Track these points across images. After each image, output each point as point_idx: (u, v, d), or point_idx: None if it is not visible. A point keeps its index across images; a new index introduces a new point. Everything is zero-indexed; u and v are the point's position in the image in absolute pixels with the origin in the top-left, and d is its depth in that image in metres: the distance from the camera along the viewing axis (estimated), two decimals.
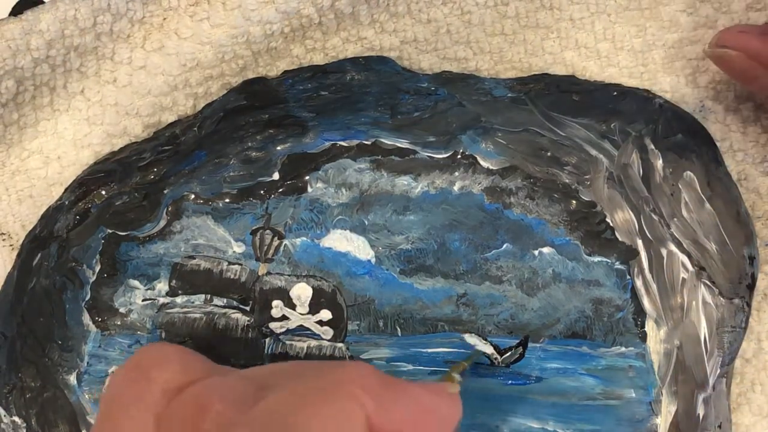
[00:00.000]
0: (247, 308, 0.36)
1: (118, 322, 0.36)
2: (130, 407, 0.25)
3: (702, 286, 0.35)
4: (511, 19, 0.37)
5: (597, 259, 0.36)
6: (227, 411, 0.24)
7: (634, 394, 0.35)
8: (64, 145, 0.37)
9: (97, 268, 0.36)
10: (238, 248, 0.37)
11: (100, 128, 0.36)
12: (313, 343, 0.36)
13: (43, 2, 0.35)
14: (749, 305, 0.35)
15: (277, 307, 0.36)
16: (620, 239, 0.36)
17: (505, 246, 0.36)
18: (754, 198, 0.37)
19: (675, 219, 0.35)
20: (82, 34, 0.35)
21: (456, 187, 0.37)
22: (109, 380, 0.27)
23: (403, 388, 0.26)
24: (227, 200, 0.37)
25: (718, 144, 0.36)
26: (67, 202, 0.36)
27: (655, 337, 0.36)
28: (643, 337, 0.36)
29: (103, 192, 0.36)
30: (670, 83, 0.37)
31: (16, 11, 0.35)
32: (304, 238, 0.36)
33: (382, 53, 0.37)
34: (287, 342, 0.36)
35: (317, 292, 0.36)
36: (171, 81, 0.36)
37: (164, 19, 0.36)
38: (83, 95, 0.37)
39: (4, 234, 0.37)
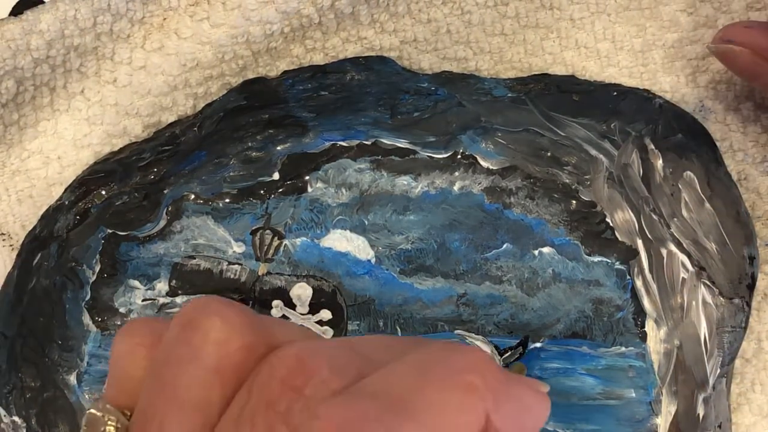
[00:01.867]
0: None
1: (118, 322, 0.36)
2: (185, 365, 0.22)
3: (702, 286, 0.35)
4: (511, 19, 0.37)
5: (597, 259, 0.36)
6: (333, 379, 0.21)
7: (634, 394, 0.35)
8: (64, 145, 0.37)
9: (97, 268, 0.36)
10: (238, 248, 0.37)
11: (100, 128, 0.36)
12: None
13: (43, 2, 0.35)
14: (749, 305, 0.35)
15: (277, 307, 0.36)
16: (620, 239, 0.36)
17: (505, 246, 0.36)
18: (754, 198, 0.37)
19: (675, 219, 0.35)
20: (82, 34, 0.35)
21: (456, 187, 0.36)
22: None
23: (515, 382, 0.24)
24: (227, 200, 0.37)
25: (718, 144, 0.36)
26: (67, 202, 0.36)
27: (655, 337, 0.36)
28: (643, 337, 0.36)
29: (103, 192, 0.36)
30: (670, 83, 0.37)
31: (16, 11, 0.35)
32: (304, 238, 0.36)
33: (382, 53, 0.37)
34: None
35: (317, 292, 0.36)
36: (171, 81, 0.36)
37: (164, 19, 0.36)
38: (83, 95, 0.37)
39: (4, 234, 0.37)
